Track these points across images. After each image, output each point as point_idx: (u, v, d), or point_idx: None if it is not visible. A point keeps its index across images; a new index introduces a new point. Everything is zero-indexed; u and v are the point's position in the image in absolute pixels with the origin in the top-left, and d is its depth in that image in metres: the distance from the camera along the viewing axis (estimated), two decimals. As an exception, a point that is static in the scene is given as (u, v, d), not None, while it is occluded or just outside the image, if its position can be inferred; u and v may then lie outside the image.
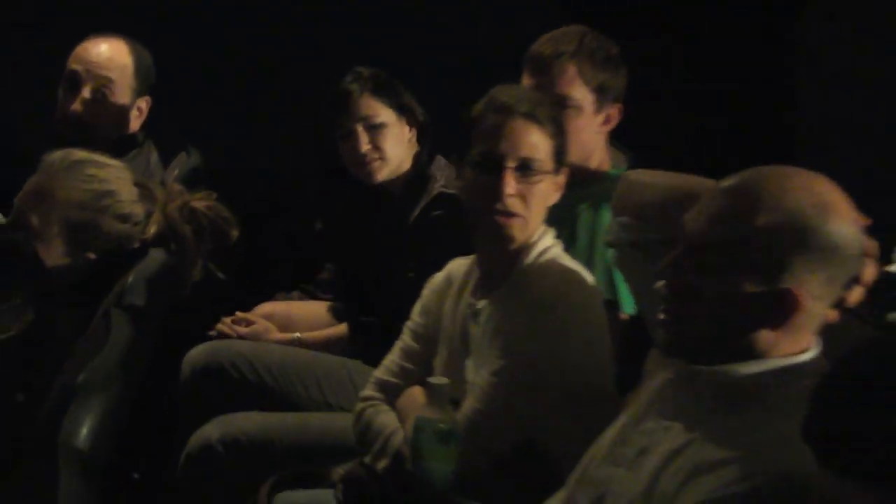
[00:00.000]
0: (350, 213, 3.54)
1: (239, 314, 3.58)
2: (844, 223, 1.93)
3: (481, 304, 2.64)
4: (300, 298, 3.78)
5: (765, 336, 1.93)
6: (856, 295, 2.05)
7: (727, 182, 1.99)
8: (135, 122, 3.73)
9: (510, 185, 2.56)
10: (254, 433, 3.03)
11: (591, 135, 3.13)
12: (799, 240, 1.90)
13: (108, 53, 3.67)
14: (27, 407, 2.34)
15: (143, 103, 3.73)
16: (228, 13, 5.17)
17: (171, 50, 4.83)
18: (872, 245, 2.07)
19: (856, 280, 2.01)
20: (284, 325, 3.59)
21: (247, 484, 2.77)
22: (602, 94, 3.13)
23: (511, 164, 2.56)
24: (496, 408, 2.51)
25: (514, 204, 2.57)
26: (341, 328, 3.53)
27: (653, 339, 2.60)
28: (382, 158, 3.35)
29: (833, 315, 2.00)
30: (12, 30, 4.55)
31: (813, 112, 4.70)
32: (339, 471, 2.67)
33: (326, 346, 3.48)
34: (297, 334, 3.53)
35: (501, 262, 2.62)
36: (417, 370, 2.73)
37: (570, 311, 2.54)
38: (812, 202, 1.92)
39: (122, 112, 3.68)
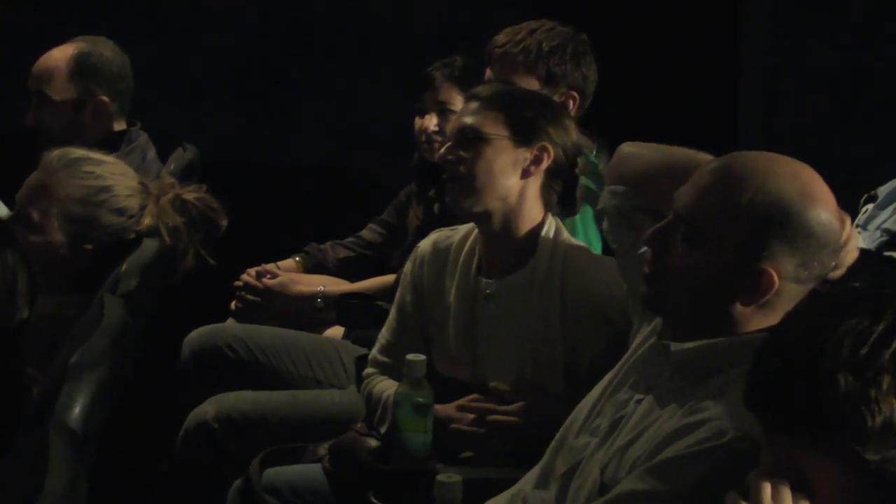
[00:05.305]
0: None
1: (264, 266, 3.63)
2: (825, 213, 1.95)
3: (494, 285, 2.71)
4: (333, 248, 3.80)
5: (738, 310, 1.98)
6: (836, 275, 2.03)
7: (719, 160, 2.04)
8: (113, 122, 3.74)
9: (447, 148, 2.69)
10: (247, 410, 3.09)
11: None
12: (780, 223, 1.93)
13: (43, 61, 3.70)
14: (31, 388, 2.45)
15: (98, 102, 3.71)
16: (226, 9, 5.31)
17: (170, 48, 4.98)
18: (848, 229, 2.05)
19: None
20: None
21: (241, 459, 2.86)
22: (550, 81, 3.20)
23: (455, 130, 2.70)
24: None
25: (451, 165, 2.68)
26: (361, 283, 3.58)
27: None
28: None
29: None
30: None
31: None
32: (325, 447, 2.76)
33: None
34: (321, 287, 3.58)
35: (509, 245, 2.70)
36: (408, 343, 2.78)
37: (606, 300, 2.63)
38: (797, 189, 1.95)
39: (64, 113, 3.67)
